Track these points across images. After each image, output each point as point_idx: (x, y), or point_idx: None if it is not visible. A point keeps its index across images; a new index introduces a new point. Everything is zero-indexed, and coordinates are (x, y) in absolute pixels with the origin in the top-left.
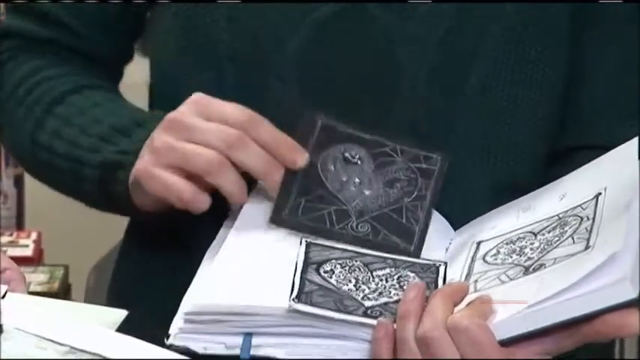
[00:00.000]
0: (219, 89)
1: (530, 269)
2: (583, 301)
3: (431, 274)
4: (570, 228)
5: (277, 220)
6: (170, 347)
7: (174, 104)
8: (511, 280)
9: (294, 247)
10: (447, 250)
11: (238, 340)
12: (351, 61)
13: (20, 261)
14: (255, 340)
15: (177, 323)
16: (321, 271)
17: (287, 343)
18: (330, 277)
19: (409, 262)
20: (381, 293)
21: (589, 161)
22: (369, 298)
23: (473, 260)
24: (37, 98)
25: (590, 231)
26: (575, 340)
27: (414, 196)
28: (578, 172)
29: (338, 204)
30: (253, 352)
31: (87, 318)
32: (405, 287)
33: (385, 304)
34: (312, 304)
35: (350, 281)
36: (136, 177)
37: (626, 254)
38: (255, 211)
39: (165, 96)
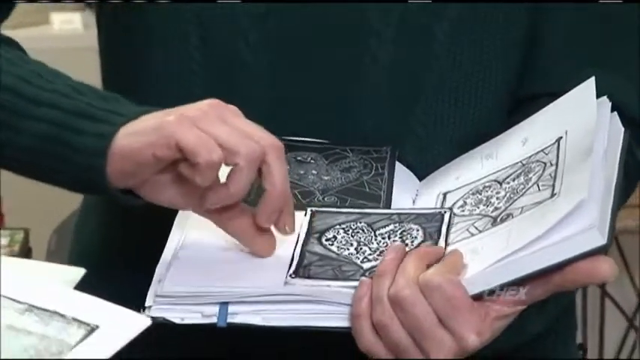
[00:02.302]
0: (184, 51)
1: (498, 220)
2: (553, 251)
3: (435, 222)
4: (535, 175)
5: (245, 199)
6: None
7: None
8: (480, 231)
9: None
10: (413, 201)
11: (215, 309)
12: (318, 20)
13: None
14: (231, 308)
15: (151, 296)
16: (323, 239)
17: (263, 310)
18: (332, 245)
19: (415, 214)
20: (382, 252)
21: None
22: (368, 260)
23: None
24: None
25: (555, 177)
26: (547, 290)
27: (372, 174)
28: (538, 116)
29: (300, 188)
30: (230, 319)
31: (45, 276)
32: (408, 240)
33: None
34: (309, 277)
35: (351, 245)
36: (163, 121)
37: (592, 201)
38: None
39: (124, 60)
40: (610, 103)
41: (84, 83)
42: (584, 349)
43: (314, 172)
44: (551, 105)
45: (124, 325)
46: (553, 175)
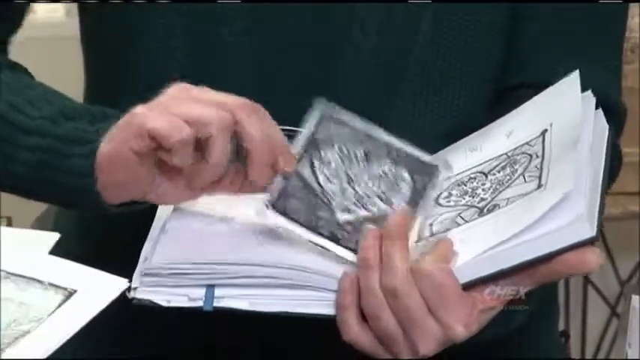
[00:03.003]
0: (167, 40)
1: (485, 210)
2: (541, 242)
3: (426, 176)
4: (520, 166)
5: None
6: (132, 300)
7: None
8: (466, 222)
9: (245, 201)
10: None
11: (201, 292)
12: (303, 9)
13: None
14: (217, 292)
15: (137, 277)
16: (316, 158)
17: (250, 294)
18: (321, 171)
19: (412, 156)
20: (363, 203)
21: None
22: (347, 210)
23: (426, 205)
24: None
25: (541, 169)
26: (534, 281)
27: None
28: (523, 108)
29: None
30: (216, 303)
31: (20, 243)
32: (392, 199)
33: (361, 222)
34: (284, 213)
35: (340, 177)
36: (133, 115)
37: (580, 193)
38: None
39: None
40: (594, 99)
41: (75, 104)
42: (566, 335)
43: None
44: (535, 98)
45: (102, 288)
46: (539, 166)
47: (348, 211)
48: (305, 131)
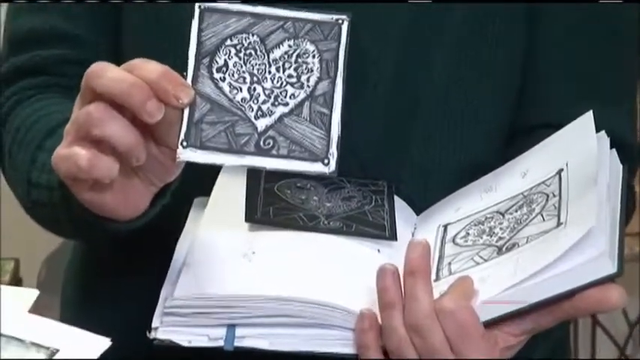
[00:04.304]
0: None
1: (504, 249)
2: (563, 279)
3: (332, 42)
4: (538, 205)
5: (252, 219)
6: (153, 341)
7: None
8: (485, 260)
9: (264, 239)
10: (412, 234)
11: (222, 332)
12: None
13: None
14: (238, 332)
15: (158, 316)
16: (214, 68)
17: (270, 334)
18: (224, 80)
19: (309, 21)
20: (276, 97)
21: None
22: (262, 113)
23: (443, 243)
24: (32, 137)
25: (559, 207)
26: (555, 318)
27: (372, 205)
28: (537, 149)
29: (304, 211)
30: (237, 343)
31: (6, 298)
32: (303, 75)
33: (280, 119)
34: (201, 147)
35: (244, 80)
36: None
37: (601, 230)
38: (220, 207)
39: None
40: (608, 139)
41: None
42: None
43: (315, 198)
44: (549, 138)
45: (84, 347)
46: (557, 205)
47: (264, 114)
48: (191, 43)
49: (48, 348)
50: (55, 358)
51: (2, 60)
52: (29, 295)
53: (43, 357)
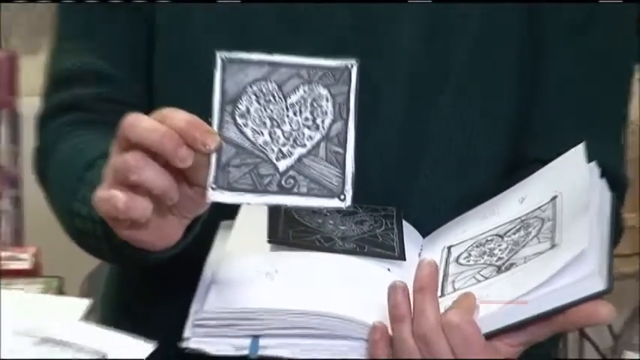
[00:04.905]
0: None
1: (503, 268)
2: (557, 295)
3: (343, 85)
4: (534, 229)
5: (274, 241)
6: (185, 350)
7: None
8: (486, 278)
9: (285, 259)
10: (419, 255)
11: (246, 342)
12: None
13: (19, 274)
14: (261, 342)
15: (189, 328)
16: (237, 114)
17: (290, 344)
18: (246, 125)
19: (321, 67)
20: (295, 140)
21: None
22: (283, 155)
23: (447, 264)
24: (72, 169)
25: (553, 230)
26: (550, 330)
27: (383, 228)
28: (534, 178)
29: (321, 233)
30: (260, 352)
31: (55, 309)
32: (318, 117)
33: (299, 162)
34: (229, 188)
35: (265, 125)
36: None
37: (592, 250)
38: (244, 232)
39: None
40: (598, 169)
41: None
42: None
43: (331, 222)
44: (544, 168)
45: (129, 351)
46: (551, 229)
47: (284, 155)
48: (215, 91)
49: (97, 352)
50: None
51: (45, 97)
52: (80, 304)
53: None
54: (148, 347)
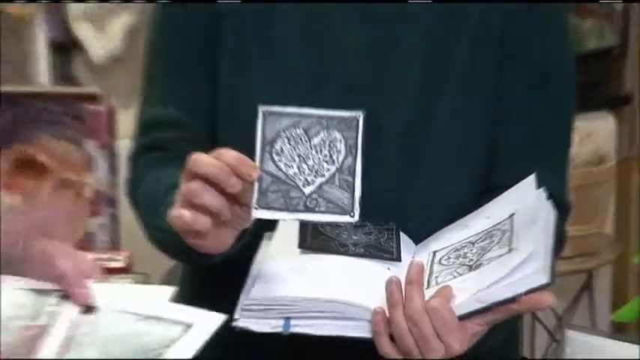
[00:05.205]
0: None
1: (473, 267)
2: (512, 287)
3: (352, 130)
4: (496, 238)
5: (303, 246)
6: (235, 328)
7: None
8: (460, 275)
9: (312, 260)
10: (412, 257)
11: (281, 322)
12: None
13: (115, 271)
14: (292, 322)
15: (238, 312)
16: (274, 153)
17: (314, 324)
18: (280, 161)
19: (336, 117)
20: (317, 171)
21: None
22: (307, 183)
23: (432, 264)
24: (155, 195)
25: (510, 239)
26: (508, 313)
27: (385, 238)
28: (497, 200)
29: (339, 241)
30: (291, 329)
31: (151, 294)
32: (334, 154)
33: (320, 188)
34: (267, 208)
35: (294, 160)
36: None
37: (538, 254)
38: (282, 240)
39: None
40: (546, 194)
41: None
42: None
43: (345, 232)
44: (505, 192)
45: (208, 322)
46: (509, 238)
47: (309, 183)
48: (257, 136)
49: (184, 323)
50: (191, 328)
51: (134, 140)
52: (168, 290)
53: (183, 328)
54: (221, 317)
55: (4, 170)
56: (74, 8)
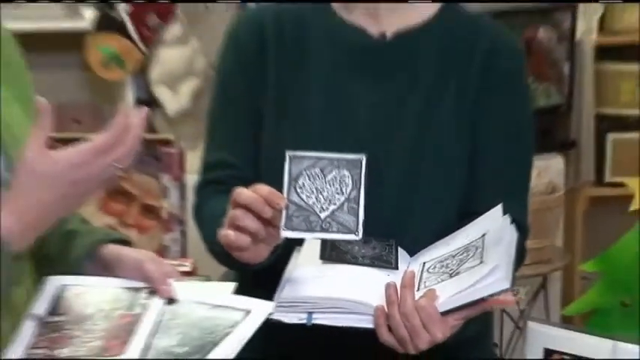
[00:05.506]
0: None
1: (453, 275)
2: (482, 290)
3: (357, 169)
4: (471, 252)
5: (323, 258)
6: (270, 319)
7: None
8: (443, 281)
9: (330, 268)
10: (407, 267)
11: (305, 316)
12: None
13: (184, 274)
14: (314, 316)
15: (273, 307)
16: (297, 186)
17: (330, 317)
18: (302, 193)
19: (344, 159)
20: (330, 201)
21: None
22: (323, 210)
23: (422, 272)
24: (212, 217)
25: (482, 254)
26: (480, 310)
27: (386, 251)
28: (472, 224)
29: (351, 254)
30: (313, 321)
31: (216, 289)
32: (344, 188)
33: (332, 214)
34: (293, 230)
35: (313, 192)
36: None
37: (502, 265)
38: (308, 253)
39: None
40: (510, 219)
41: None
42: (496, 345)
43: (356, 247)
44: (479, 218)
45: (261, 308)
46: (480, 253)
47: (324, 210)
48: (285, 174)
49: (244, 310)
50: (250, 314)
51: (199, 175)
52: (230, 285)
53: (243, 314)
54: (271, 305)
55: (100, 197)
56: (154, 74)
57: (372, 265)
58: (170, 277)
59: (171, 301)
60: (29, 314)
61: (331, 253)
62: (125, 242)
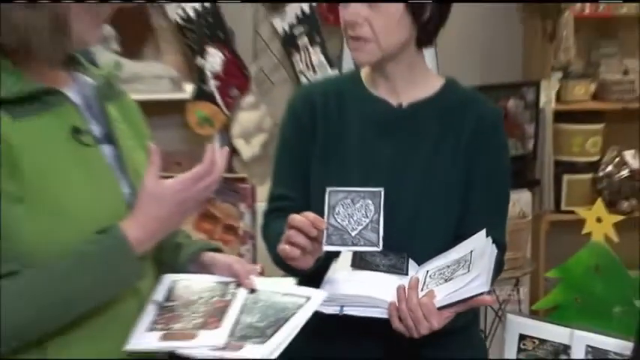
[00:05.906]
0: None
1: (448, 280)
2: (468, 292)
3: (377, 198)
4: (461, 264)
5: (354, 265)
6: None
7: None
8: (440, 285)
9: (359, 273)
10: (415, 273)
11: (338, 309)
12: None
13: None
14: (345, 309)
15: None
16: (334, 213)
17: (359, 309)
18: (337, 217)
19: (368, 192)
20: (358, 223)
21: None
22: (353, 229)
23: (425, 278)
24: (274, 236)
25: (469, 266)
26: (467, 307)
27: (399, 262)
28: (464, 243)
29: (374, 262)
30: (344, 312)
31: (285, 281)
32: (368, 213)
33: (360, 232)
34: (331, 244)
35: (346, 217)
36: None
37: (484, 274)
38: (343, 261)
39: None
40: (491, 240)
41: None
42: (482, 331)
43: (377, 258)
44: (469, 239)
45: (318, 295)
46: (468, 265)
47: (354, 229)
48: (325, 204)
49: (305, 296)
50: (310, 300)
51: (267, 204)
52: (293, 280)
53: (304, 299)
54: (325, 293)
55: (194, 219)
56: (234, 131)
57: (388, 271)
58: (251, 274)
59: (252, 290)
60: (151, 300)
61: (359, 262)
62: (218, 250)
